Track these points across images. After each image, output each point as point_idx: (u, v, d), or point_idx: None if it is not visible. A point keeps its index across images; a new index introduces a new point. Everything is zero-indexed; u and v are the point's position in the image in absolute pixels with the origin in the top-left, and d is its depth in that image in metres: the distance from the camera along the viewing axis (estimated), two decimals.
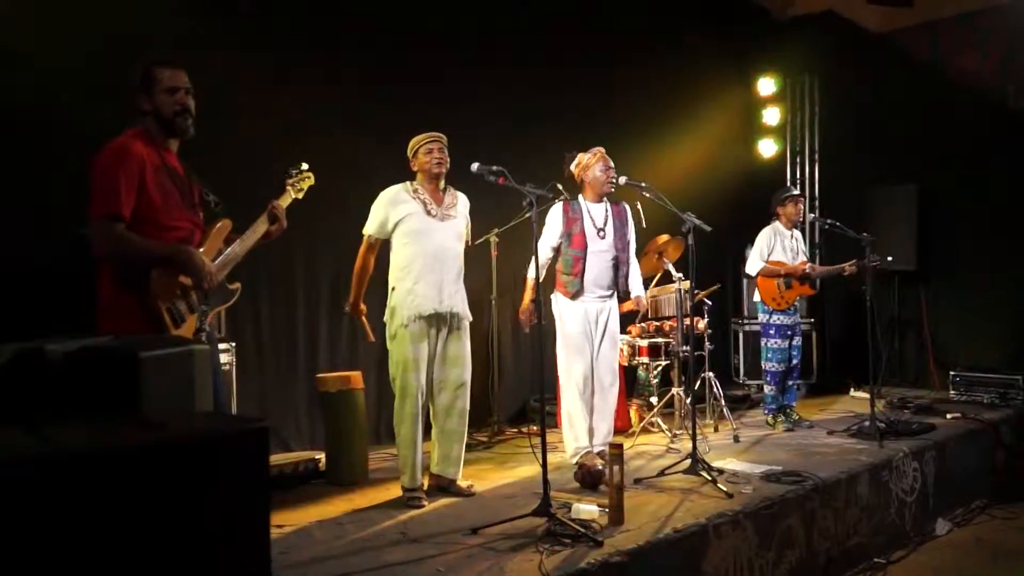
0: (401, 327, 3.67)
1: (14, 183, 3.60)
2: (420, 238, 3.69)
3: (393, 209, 3.73)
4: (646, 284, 5.61)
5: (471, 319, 3.90)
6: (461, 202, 3.92)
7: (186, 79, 2.79)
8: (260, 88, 4.39)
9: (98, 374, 1.69)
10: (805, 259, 5.58)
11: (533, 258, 3.59)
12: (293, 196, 3.22)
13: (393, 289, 3.75)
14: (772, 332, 5.45)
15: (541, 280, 3.95)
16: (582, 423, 4.12)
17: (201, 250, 2.76)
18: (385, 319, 3.78)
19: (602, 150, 4.28)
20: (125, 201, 2.58)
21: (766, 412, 5.57)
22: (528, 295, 4.17)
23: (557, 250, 4.27)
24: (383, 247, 3.85)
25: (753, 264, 5.50)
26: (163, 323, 2.61)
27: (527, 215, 3.59)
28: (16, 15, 3.65)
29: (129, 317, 2.57)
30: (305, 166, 3.31)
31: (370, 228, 3.79)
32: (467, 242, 3.96)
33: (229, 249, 2.90)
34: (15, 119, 3.61)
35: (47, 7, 3.72)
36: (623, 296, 4.40)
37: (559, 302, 4.24)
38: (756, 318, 5.79)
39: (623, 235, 4.32)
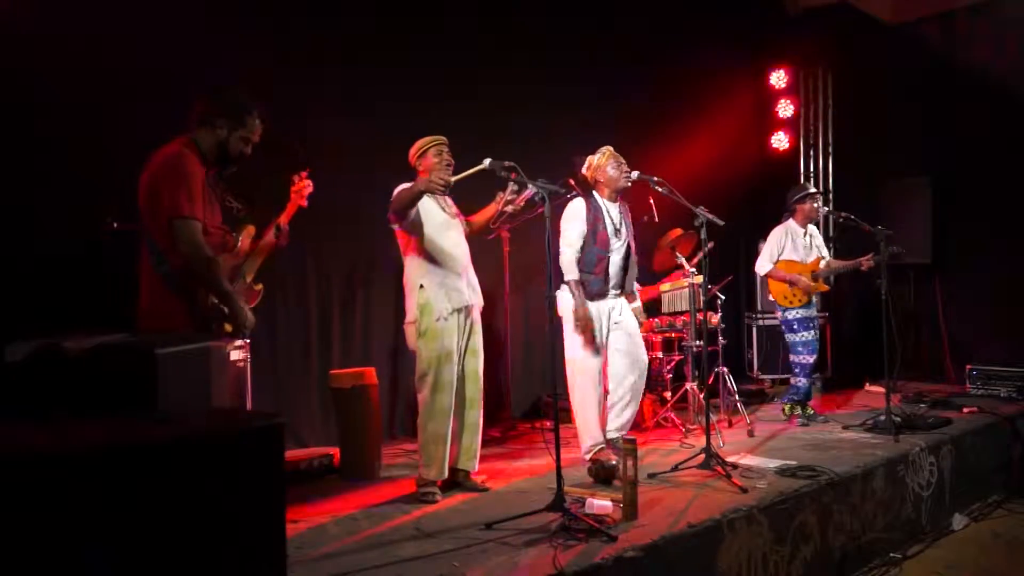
0: (436, 322, 3.68)
1: (34, 181, 3.63)
2: (443, 234, 3.75)
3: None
4: (659, 279, 5.62)
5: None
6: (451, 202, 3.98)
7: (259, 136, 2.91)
8: (263, 85, 4.38)
9: (115, 370, 1.71)
10: (819, 256, 5.52)
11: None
12: (299, 204, 3.30)
13: (422, 287, 3.72)
14: (796, 326, 5.40)
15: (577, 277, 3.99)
16: (596, 419, 4.11)
17: (237, 248, 2.94)
18: (413, 318, 3.74)
19: (610, 148, 4.25)
20: (199, 207, 2.68)
21: (785, 401, 5.54)
22: (579, 295, 4.05)
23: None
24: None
25: (762, 265, 5.47)
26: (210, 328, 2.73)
27: (538, 210, 3.59)
28: (22, 14, 3.66)
29: (177, 319, 2.66)
30: (304, 174, 3.35)
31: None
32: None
33: (249, 259, 3.05)
34: (33, 115, 3.63)
35: (59, 4, 3.74)
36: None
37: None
38: (771, 312, 5.75)
39: (631, 235, 4.32)
